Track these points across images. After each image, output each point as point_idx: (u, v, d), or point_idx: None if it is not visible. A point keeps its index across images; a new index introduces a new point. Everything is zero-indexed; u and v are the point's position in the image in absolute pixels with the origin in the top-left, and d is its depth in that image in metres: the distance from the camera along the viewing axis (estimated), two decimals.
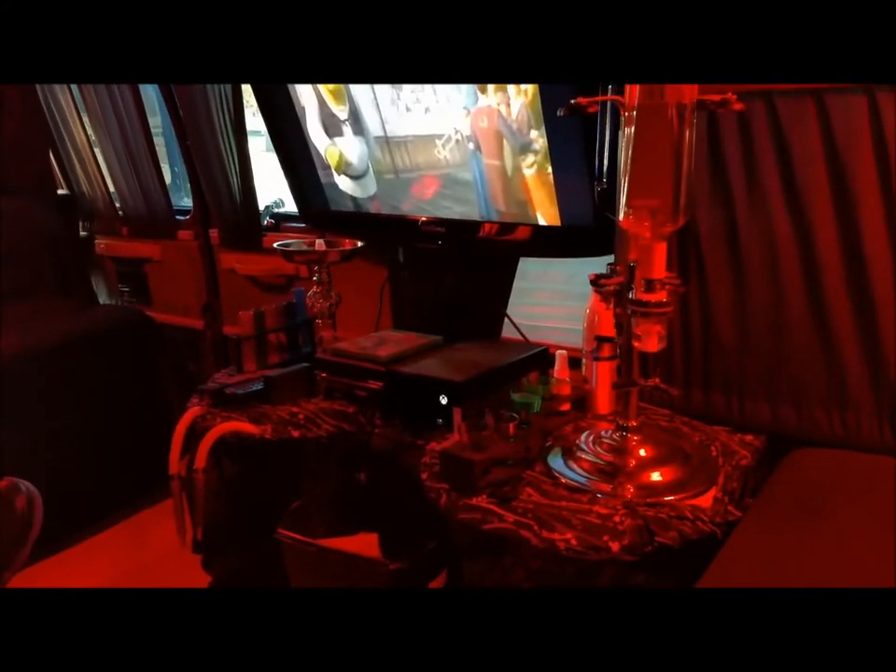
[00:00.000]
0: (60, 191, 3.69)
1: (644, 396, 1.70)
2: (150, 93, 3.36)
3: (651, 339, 1.46)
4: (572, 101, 1.43)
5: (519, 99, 1.91)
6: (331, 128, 2.44)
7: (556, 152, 1.91)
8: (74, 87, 3.37)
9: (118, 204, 3.56)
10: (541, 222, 2.09)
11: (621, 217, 1.45)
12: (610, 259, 1.82)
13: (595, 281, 1.56)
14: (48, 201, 3.48)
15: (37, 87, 3.44)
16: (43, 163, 3.57)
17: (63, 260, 3.35)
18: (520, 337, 2.38)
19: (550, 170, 1.96)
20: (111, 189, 3.54)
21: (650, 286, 1.43)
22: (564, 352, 1.99)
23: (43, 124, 3.52)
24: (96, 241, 3.68)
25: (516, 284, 2.45)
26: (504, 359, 2.07)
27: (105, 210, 3.61)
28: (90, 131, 3.46)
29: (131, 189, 3.40)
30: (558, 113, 1.48)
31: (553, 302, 2.63)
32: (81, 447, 2.77)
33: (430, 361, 2.07)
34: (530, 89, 1.88)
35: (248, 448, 2.00)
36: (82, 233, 3.68)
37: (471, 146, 2.11)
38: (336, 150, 2.48)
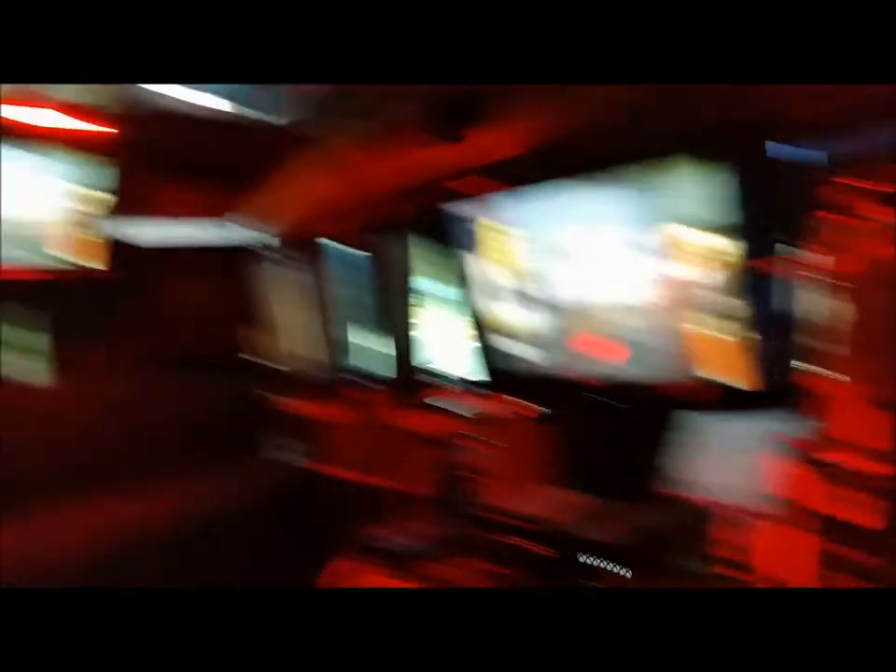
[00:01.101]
0: (257, 359, 4.23)
1: None
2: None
3: None
4: (763, 264, 1.59)
5: (696, 265, 2.01)
6: (503, 297, 2.67)
7: (752, 318, 1.96)
8: (284, 269, 4.02)
9: (302, 368, 4.03)
10: (703, 377, 2.11)
11: (807, 376, 1.50)
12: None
13: (782, 441, 1.60)
14: (246, 369, 4.01)
15: (255, 271, 4.07)
16: (249, 338, 4.15)
17: (251, 420, 3.81)
18: (681, 494, 2.31)
19: (745, 334, 2.00)
20: (301, 355, 4.04)
21: (839, 445, 1.43)
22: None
23: (255, 306, 4.17)
24: (279, 401, 4.09)
25: (686, 439, 2.41)
26: (667, 519, 2.09)
27: (292, 373, 4.08)
28: (291, 308, 4.06)
29: (318, 355, 3.91)
30: (748, 275, 1.62)
31: (712, 458, 2.54)
32: None
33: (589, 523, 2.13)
34: (705, 251, 1.98)
35: None
36: (268, 394, 4.11)
37: (649, 312, 2.20)
38: (507, 317, 2.69)
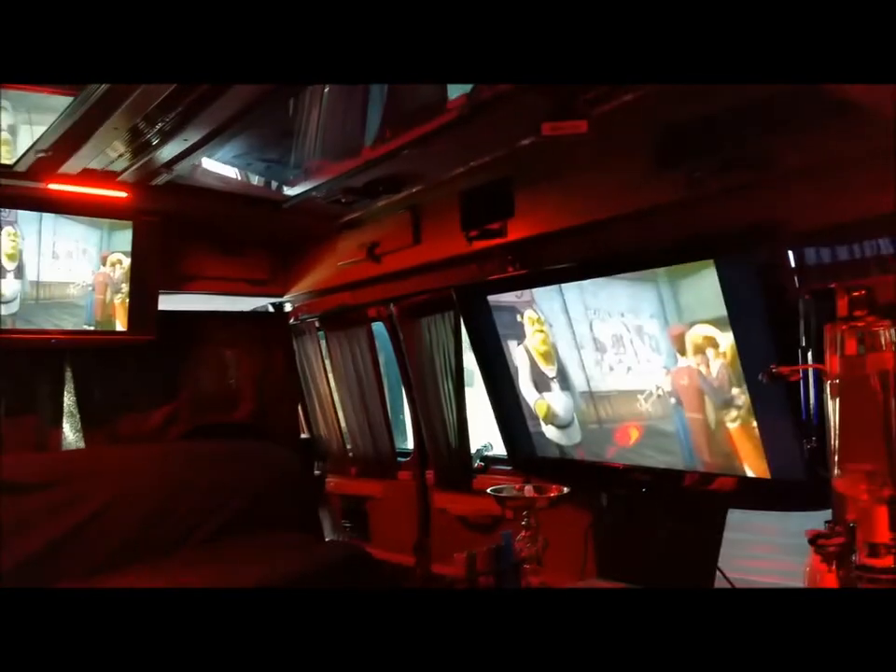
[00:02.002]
0: (303, 435, 4.30)
1: None
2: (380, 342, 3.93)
3: None
4: (773, 369, 1.55)
5: (718, 360, 2.07)
6: (541, 385, 2.73)
7: (761, 409, 1.99)
8: (323, 345, 4.07)
9: (348, 446, 4.05)
10: (749, 474, 2.11)
11: (834, 476, 1.47)
12: (826, 514, 1.77)
13: (814, 540, 1.53)
14: (293, 444, 4.06)
15: (295, 347, 4.20)
16: (293, 413, 4.23)
17: (299, 498, 3.80)
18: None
19: (755, 424, 2.03)
20: (345, 433, 4.06)
21: (874, 550, 1.39)
22: None
23: (296, 381, 4.24)
24: (327, 479, 4.15)
25: (728, 535, 2.39)
26: None
27: (337, 452, 4.11)
28: (332, 384, 4.09)
29: (362, 433, 3.89)
30: (759, 378, 1.60)
31: (768, 556, 2.50)
32: None
33: None
34: (728, 351, 2.03)
35: None
36: (316, 472, 4.19)
37: (673, 401, 2.26)
38: (544, 403, 2.73)
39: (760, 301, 1.93)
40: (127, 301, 3.36)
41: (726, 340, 2.05)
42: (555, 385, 2.67)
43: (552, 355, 2.64)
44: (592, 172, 2.41)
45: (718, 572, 2.31)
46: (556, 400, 2.69)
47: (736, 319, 2.00)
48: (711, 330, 2.07)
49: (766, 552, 2.50)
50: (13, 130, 2.95)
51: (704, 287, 2.05)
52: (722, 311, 2.03)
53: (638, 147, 2.21)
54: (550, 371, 2.66)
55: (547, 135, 1.89)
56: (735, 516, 2.41)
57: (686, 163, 2.04)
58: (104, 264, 3.29)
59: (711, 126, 1.99)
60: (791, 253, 1.93)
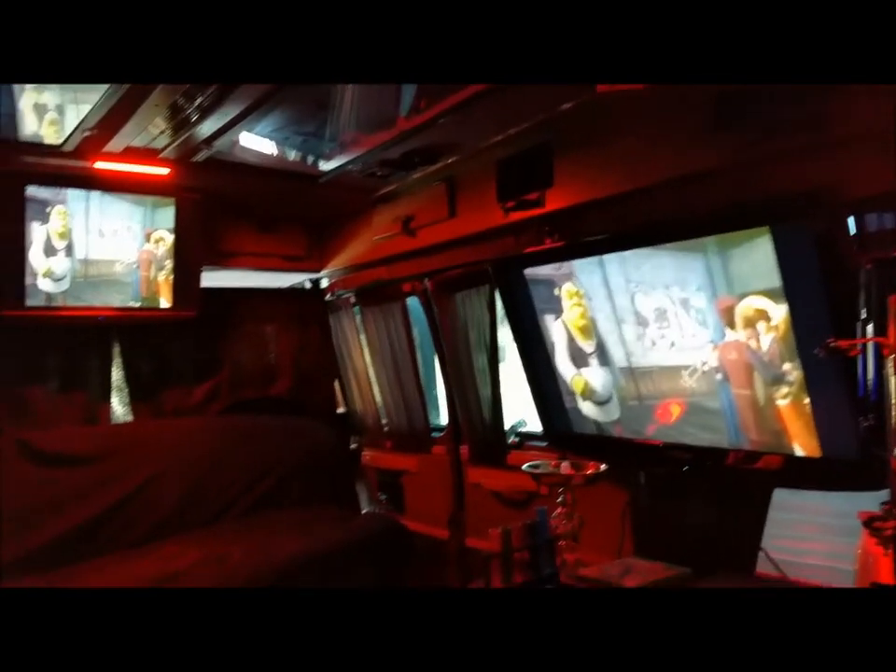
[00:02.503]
0: (339, 410, 4.32)
1: None
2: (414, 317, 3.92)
3: None
4: (830, 342, 1.47)
5: (770, 334, 1.98)
6: (579, 360, 2.67)
7: (814, 385, 1.91)
8: (359, 320, 4.06)
9: (384, 421, 4.05)
10: (798, 453, 2.03)
11: (893, 455, 1.40)
12: (878, 496, 1.70)
13: (869, 522, 1.47)
14: (330, 419, 4.08)
15: (332, 323, 4.21)
16: (330, 388, 4.25)
17: (336, 471, 3.83)
18: (778, 574, 2.20)
19: (807, 401, 1.95)
20: (380, 407, 4.06)
21: None
22: None
23: (333, 356, 4.25)
24: (363, 453, 4.17)
25: (773, 514, 2.32)
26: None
27: (373, 426, 4.12)
28: (368, 359, 4.08)
29: (397, 408, 3.88)
30: (816, 352, 1.52)
31: (815, 537, 2.42)
32: None
33: None
34: (781, 324, 1.95)
35: None
36: (352, 446, 4.21)
37: (719, 376, 2.18)
38: (582, 379, 2.68)
39: (817, 270, 1.83)
40: (171, 277, 3.40)
41: (779, 312, 1.95)
42: (594, 361, 2.60)
43: (590, 329, 2.57)
44: (636, 137, 2.32)
45: (761, 552, 2.25)
46: (594, 376, 2.63)
47: (792, 290, 1.90)
48: (763, 302, 1.98)
49: (814, 532, 2.42)
50: (60, 109, 2.99)
51: (756, 257, 1.96)
52: (776, 282, 1.93)
53: (688, 109, 2.11)
54: (588, 346, 2.60)
55: (603, 92, 1.81)
56: (780, 495, 2.34)
57: (739, 126, 1.94)
58: (147, 241, 3.33)
59: (766, 87, 1.89)
60: (851, 220, 1.82)
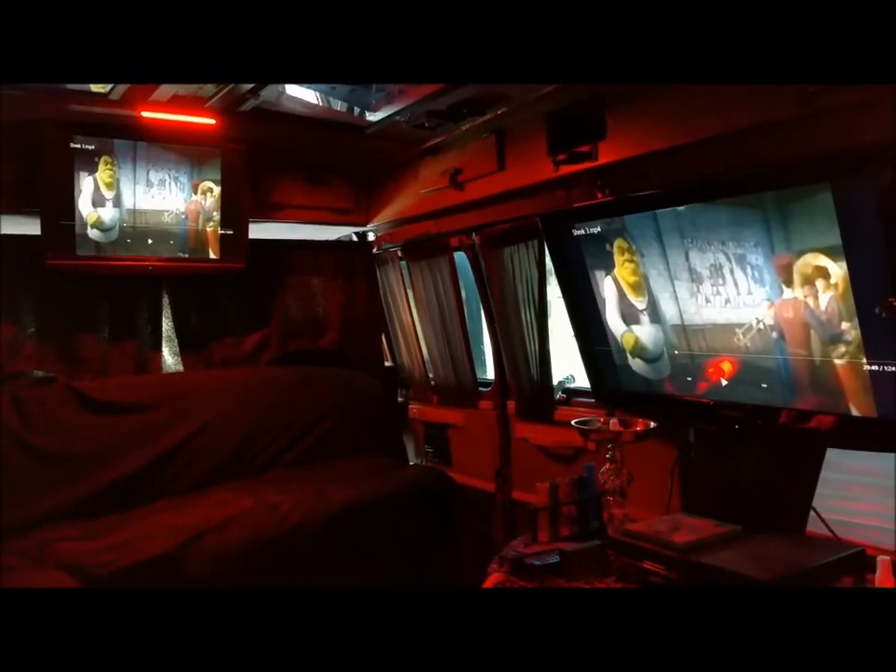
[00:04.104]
0: (386, 363, 4.37)
1: None
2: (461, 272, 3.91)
3: None
4: (892, 301, 1.43)
5: (828, 293, 1.92)
6: (629, 317, 2.63)
7: (872, 345, 1.85)
8: (406, 274, 4.08)
9: (430, 375, 4.09)
10: (854, 413, 1.99)
11: None
12: None
13: None
14: (377, 371, 4.14)
15: (379, 276, 4.23)
16: (377, 341, 4.29)
17: (384, 422, 3.90)
18: (828, 533, 2.18)
19: (864, 361, 1.90)
20: (427, 361, 4.10)
21: None
22: (887, 558, 1.79)
23: (380, 310, 4.28)
24: (410, 406, 4.24)
25: (824, 474, 2.29)
26: (814, 559, 1.92)
27: (419, 380, 4.17)
28: (415, 313, 4.11)
29: (443, 362, 3.91)
30: (876, 311, 1.48)
31: (869, 498, 2.39)
32: None
33: (730, 553, 2.00)
34: (840, 283, 1.89)
35: None
36: (399, 399, 4.28)
37: (775, 335, 2.13)
38: (632, 336, 2.64)
39: (879, 227, 1.76)
40: (219, 229, 3.44)
41: (838, 270, 1.89)
42: (644, 318, 2.57)
43: (642, 286, 2.53)
44: (691, 88, 2.23)
45: (812, 512, 2.23)
46: (645, 333, 2.59)
47: (851, 248, 1.84)
48: (823, 260, 1.92)
49: (866, 493, 2.39)
50: None
51: (817, 213, 1.89)
52: (835, 239, 1.87)
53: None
54: (640, 303, 2.56)
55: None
56: (831, 455, 2.30)
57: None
58: (195, 192, 3.37)
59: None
60: None
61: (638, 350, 2.65)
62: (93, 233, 3.15)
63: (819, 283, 1.94)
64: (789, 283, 2.03)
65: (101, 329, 3.41)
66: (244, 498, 2.96)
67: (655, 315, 2.52)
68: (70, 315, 3.31)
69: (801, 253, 1.99)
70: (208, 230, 3.43)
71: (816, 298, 1.96)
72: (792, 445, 2.28)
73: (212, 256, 3.47)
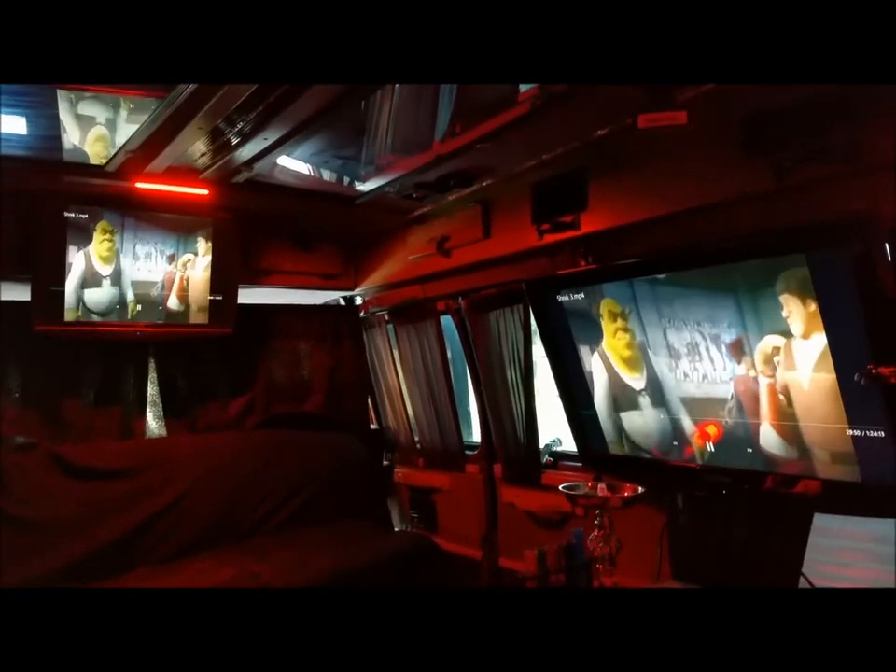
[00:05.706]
0: (372, 426, 4.36)
1: None
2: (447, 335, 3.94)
3: None
4: (872, 369, 1.47)
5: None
6: (623, 401, 2.67)
7: (853, 410, 1.89)
8: (392, 338, 4.10)
9: (416, 438, 4.08)
10: (838, 478, 2.01)
11: None
12: None
13: None
14: (363, 434, 4.12)
15: (365, 340, 4.26)
16: (363, 404, 4.29)
17: (370, 487, 3.86)
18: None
19: (849, 432, 1.94)
20: (413, 424, 4.09)
21: None
22: None
23: (366, 373, 4.29)
24: (396, 470, 4.20)
25: (816, 540, 2.29)
26: None
27: (405, 443, 4.15)
28: (401, 376, 4.12)
29: (430, 425, 3.91)
30: (856, 379, 1.52)
31: (856, 563, 2.38)
32: None
33: None
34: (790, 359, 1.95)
35: None
36: (385, 463, 4.24)
37: (749, 407, 2.17)
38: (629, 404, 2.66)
39: (855, 297, 1.82)
40: (208, 295, 3.46)
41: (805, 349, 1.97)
42: (644, 400, 2.60)
43: (638, 359, 2.57)
44: (671, 161, 2.33)
45: (802, 578, 2.21)
46: (643, 419, 2.63)
47: (829, 316, 1.90)
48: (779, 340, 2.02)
49: (856, 559, 2.37)
50: (111, 124, 3.08)
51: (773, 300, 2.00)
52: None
53: (722, 134, 2.12)
54: (636, 381, 2.60)
55: (644, 128, 1.83)
56: (821, 520, 2.30)
57: (774, 152, 1.94)
58: (170, 263, 3.38)
59: (801, 113, 1.89)
60: (887, 247, 1.81)
61: (633, 418, 2.66)
62: (83, 303, 3.17)
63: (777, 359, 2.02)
64: (742, 362, 2.13)
65: (86, 393, 3.39)
66: (224, 567, 2.90)
67: (659, 396, 2.53)
68: (56, 379, 3.30)
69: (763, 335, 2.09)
70: (191, 297, 3.45)
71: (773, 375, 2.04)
72: (780, 510, 2.28)
73: (199, 321, 3.48)
